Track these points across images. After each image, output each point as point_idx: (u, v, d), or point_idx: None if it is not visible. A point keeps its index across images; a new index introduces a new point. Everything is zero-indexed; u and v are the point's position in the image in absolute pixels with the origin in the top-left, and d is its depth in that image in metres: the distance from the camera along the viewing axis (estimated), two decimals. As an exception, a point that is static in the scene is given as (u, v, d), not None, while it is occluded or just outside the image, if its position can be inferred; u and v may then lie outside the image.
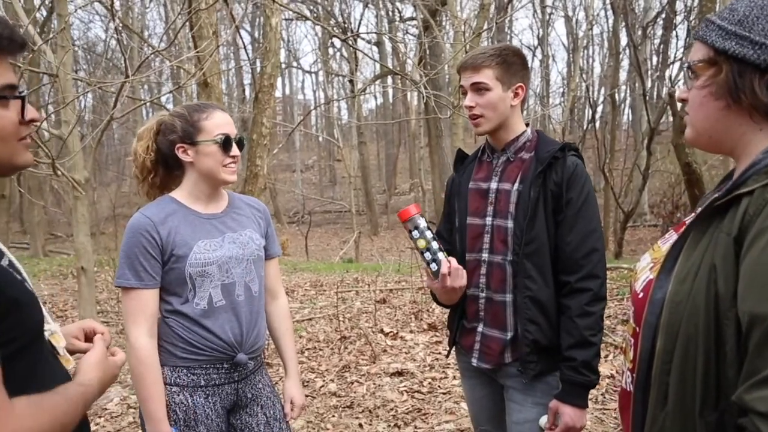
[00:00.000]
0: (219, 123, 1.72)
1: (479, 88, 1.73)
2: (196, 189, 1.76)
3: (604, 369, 3.66)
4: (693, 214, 1.16)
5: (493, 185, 1.80)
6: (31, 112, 0.94)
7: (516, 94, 1.76)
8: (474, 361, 1.84)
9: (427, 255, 1.73)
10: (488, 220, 1.79)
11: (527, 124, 1.85)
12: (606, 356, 4.29)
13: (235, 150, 1.74)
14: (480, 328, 1.83)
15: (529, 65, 1.86)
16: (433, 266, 1.73)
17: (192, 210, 1.74)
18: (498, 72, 1.72)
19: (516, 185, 1.75)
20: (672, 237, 1.14)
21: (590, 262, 1.67)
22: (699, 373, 0.83)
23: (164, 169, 1.80)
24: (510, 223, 1.73)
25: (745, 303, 0.78)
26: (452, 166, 2.00)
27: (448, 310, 2.01)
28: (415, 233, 1.72)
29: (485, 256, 1.79)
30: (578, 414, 1.66)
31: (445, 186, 2.00)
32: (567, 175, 1.69)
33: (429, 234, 1.73)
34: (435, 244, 1.73)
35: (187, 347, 1.67)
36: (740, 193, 0.85)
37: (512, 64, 1.74)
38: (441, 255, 1.74)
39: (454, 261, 1.73)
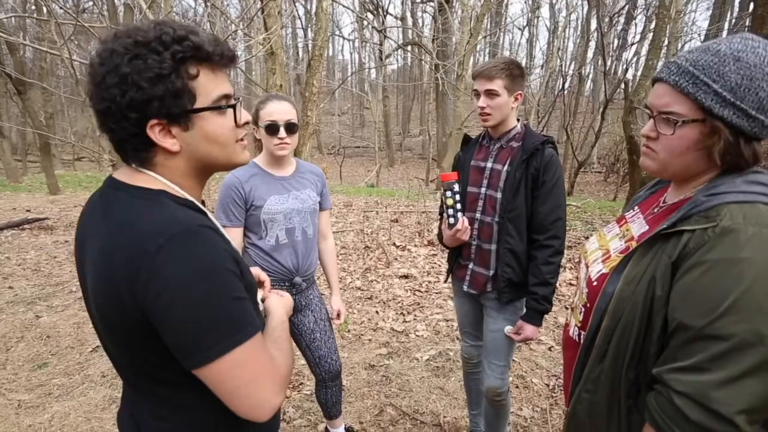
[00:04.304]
0: (270, 111, 1.64)
1: (491, 94, 1.65)
2: (266, 158, 1.74)
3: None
4: (631, 210, 1.10)
5: (489, 165, 1.76)
6: (244, 117, 0.81)
7: (516, 99, 1.68)
8: (465, 287, 1.87)
9: (450, 211, 1.73)
10: (483, 190, 1.76)
11: (518, 119, 1.78)
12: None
13: (282, 133, 1.64)
14: (471, 266, 1.84)
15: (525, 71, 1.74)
16: (452, 220, 1.73)
17: (268, 173, 1.72)
18: (506, 82, 1.63)
19: (506, 166, 1.70)
20: (614, 229, 1.10)
21: (555, 227, 1.66)
22: (630, 346, 0.84)
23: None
24: (499, 195, 1.70)
25: (676, 312, 0.77)
26: (459, 146, 1.94)
27: (437, 239, 2.01)
28: (448, 193, 1.71)
29: (478, 216, 1.77)
30: (535, 330, 1.72)
31: (453, 160, 1.95)
32: (544, 162, 1.64)
33: (457, 197, 1.72)
34: (458, 205, 1.72)
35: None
36: (683, 228, 0.79)
37: (516, 76, 1.64)
38: (460, 214, 1.73)
39: (467, 221, 1.73)
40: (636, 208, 1.09)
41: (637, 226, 1.01)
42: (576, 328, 1.03)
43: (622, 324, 0.84)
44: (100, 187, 0.83)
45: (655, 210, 1.00)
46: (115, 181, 0.79)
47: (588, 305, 0.97)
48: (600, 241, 1.10)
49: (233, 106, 0.79)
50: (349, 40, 25.42)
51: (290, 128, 1.66)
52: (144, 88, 0.70)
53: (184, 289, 0.67)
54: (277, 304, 0.92)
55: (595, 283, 0.95)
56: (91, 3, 16.58)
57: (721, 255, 0.73)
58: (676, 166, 0.87)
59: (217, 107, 0.77)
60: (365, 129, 30.34)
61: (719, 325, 0.71)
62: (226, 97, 0.78)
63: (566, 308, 3.79)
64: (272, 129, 1.64)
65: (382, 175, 17.13)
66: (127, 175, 0.79)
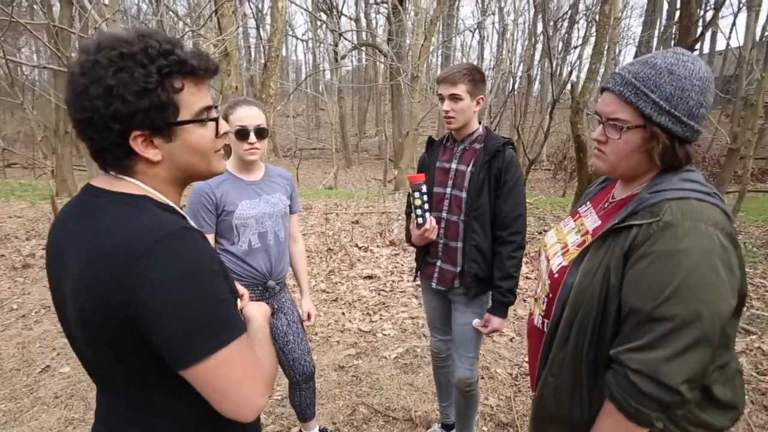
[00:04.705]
0: (239, 116, 1.63)
1: (455, 98, 1.72)
2: (235, 163, 1.73)
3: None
4: (584, 205, 1.20)
5: (453, 166, 1.82)
6: (223, 128, 0.83)
7: (477, 103, 1.76)
8: (433, 284, 1.92)
9: (419, 211, 1.78)
10: (448, 190, 1.82)
11: (480, 122, 1.87)
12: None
13: (252, 138, 1.64)
14: (438, 263, 1.90)
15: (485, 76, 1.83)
16: (420, 220, 1.78)
17: (238, 178, 1.71)
18: (469, 87, 1.71)
19: (470, 167, 1.78)
20: (569, 223, 1.19)
21: (517, 223, 1.75)
22: (589, 331, 0.93)
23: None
24: (464, 194, 1.77)
25: (628, 298, 0.86)
26: (425, 148, 2.00)
27: (405, 238, 2.07)
28: (416, 194, 1.77)
29: (445, 215, 1.83)
30: (501, 322, 1.80)
31: (418, 162, 2.01)
32: (505, 163, 1.73)
33: (425, 197, 1.77)
34: (426, 206, 1.78)
35: (234, 276, 1.71)
36: (632, 223, 0.88)
37: (478, 81, 1.72)
38: (428, 214, 1.79)
39: (434, 221, 1.80)
40: (588, 203, 1.20)
41: (591, 220, 1.11)
42: (540, 317, 1.12)
43: (582, 312, 0.93)
44: (77, 195, 0.82)
45: (605, 205, 1.10)
46: (94, 188, 0.79)
47: (551, 296, 1.05)
48: (558, 235, 1.19)
49: (215, 119, 0.81)
50: (302, 41, 25.13)
51: (260, 133, 1.66)
52: (129, 101, 0.70)
53: (172, 291, 0.68)
54: (255, 310, 0.94)
55: (556, 275, 1.04)
56: (19, -4, 15.39)
57: (664, 246, 0.83)
58: (623, 167, 0.97)
59: (200, 120, 0.78)
60: (321, 131, 30.11)
61: (664, 308, 0.81)
62: (208, 108, 0.80)
63: (524, 301, 3.98)
64: (242, 134, 1.63)
65: (340, 177, 17.08)
66: (107, 182, 0.79)
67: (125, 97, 0.70)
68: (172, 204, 0.81)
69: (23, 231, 6.35)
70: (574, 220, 1.19)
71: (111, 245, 0.70)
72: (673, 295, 0.81)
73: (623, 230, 0.90)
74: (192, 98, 0.77)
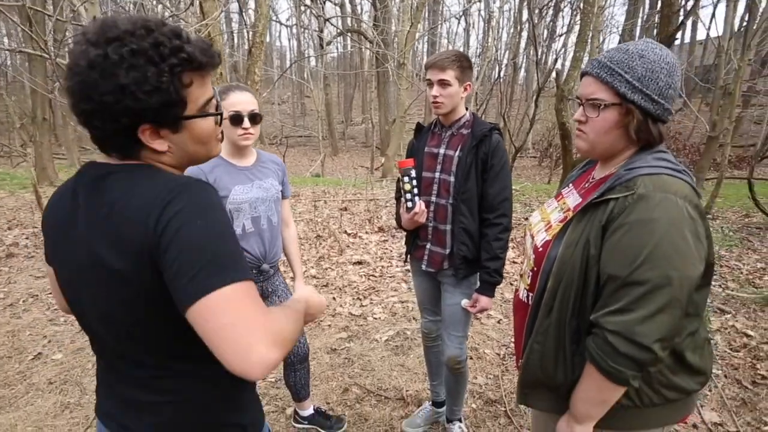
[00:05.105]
0: (233, 102, 1.64)
1: (443, 84, 1.75)
2: (230, 149, 1.75)
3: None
4: (566, 187, 1.27)
5: (442, 151, 1.87)
6: (222, 116, 0.88)
7: (465, 89, 1.80)
8: (423, 266, 1.98)
9: (408, 196, 1.83)
10: (437, 174, 1.87)
11: (467, 108, 1.91)
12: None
13: (246, 123, 1.66)
14: (428, 246, 1.95)
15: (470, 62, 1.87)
16: (410, 204, 1.83)
17: (231, 163, 1.73)
18: (457, 73, 1.74)
19: (457, 152, 1.82)
20: (552, 203, 1.26)
21: (503, 206, 1.81)
22: (571, 300, 1.00)
23: None
24: (452, 178, 1.82)
25: (606, 266, 0.94)
26: (413, 134, 2.04)
27: (395, 222, 2.11)
28: (406, 179, 1.81)
29: (434, 198, 1.88)
30: (489, 301, 1.87)
31: (407, 147, 2.05)
32: (492, 148, 1.78)
33: (414, 182, 1.82)
34: (415, 190, 1.83)
35: None
36: (609, 197, 0.96)
37: (465, 68, 1.76)
38: (417, 199, 1.84)
39: (423, 205, 1.85)
40: (570, 185, 1.27)
41: (572, 199, 1.19)
42: (525, 291, 1.19)
43: (565, 282, 1.00)
44: (76, 174, 0.84)
45: (586, 185, 1.18)
46: (100, 164, 0.81)
47: (535, 269, 1.12)
48: (542, 215, 1.27)
49: (220, 114, 0.85)
50: (287, 26, 24.70)
51: (254, 118, 1.69)
52: (141, 99, 0.72)
53: (188, 223, 0.70)
54: (309, 290, 0.98)
55: (540, 249, 1.11)
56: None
57: (638, 216, 0.90)
58: (602, 144, 1.06)
59: (206, 114, 0.81)
60: (307, 118, 29.80)
61: (637, 273, 0.89)
62: (210, 99, 0.83)
63: (511, 285, 4.09)
64: (236, 119, 1.65)
65: (327, 165, 17.01)
66: (114, 161, 0.82)
67: (137, 95, 0.71)
68: None
69: (4, 221, 6.23)
70: (557, 201, 1.26)
71: (137, 204, 0.73)
72: (646, 261, 0.88)
73: (601, 204, 0.98)
74: (198, 92, 0.79)
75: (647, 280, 0.88)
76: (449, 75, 1.74)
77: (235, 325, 0.67)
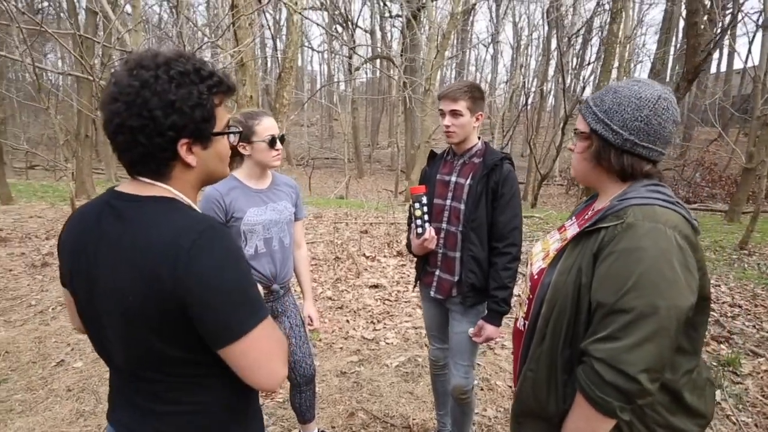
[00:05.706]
0: (267, 127, 1.75)
1: (455, 114, 1.80)
2: (251, 171, 1.82)
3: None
4: (570, 220, 1.28)
5: (453, 178, 1.90)
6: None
7: (477, 119, 1.85)
8: (432, 293, 1.99)
9: (419, 221, 1.86)
10: (448, 202, 1.90)
11: (479, 138, 1.95)
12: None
13: (278, 145, 1.79)
14: (437, 273, 1.96)
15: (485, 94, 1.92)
16: (420, 230, 1.87)
17: (247, 186, 1.80)
18: (469, 103, 1.79)
19: (468, 180, 1.85)
20: (555, 235, 1.27)
21: (512, 235, 1.82)
22: (564, 328, 1.00)
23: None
24: (462, 206, 1.85)
25: (596, 294, 0.94)
26: (426, 162, 2.08)
27: (406, 247, 2.14)
28: (417, 205, 1.86)
29: (444, 225, 1.91)
30: (495, 330, 1.86)
31: (420, 175, 2.09)
32: (503, 177, 1.80)
33: (425, 208, 1.86)
34: (426, 216, 1.86)
35: None
36: (601, 226, 0.98)
37: (477, 98, 1.81)
38: (427, 225, 1.87)
39: (434, 231, 1.88)
40: (573, 218, 1.29)
41: (572, 231, 1.20)
42: (522, 319, 1.20)
43: (558, 309, 1.01)
44: (99, 198, 0.91)
45: (586, 216, 1.19)
46: (122, 194, 0.88)
47: (530, 297, 1.13)
48: (543, 245, 1.28)
49: (240, 132, 0.98)
50: (318, 52, 25.57)
51: (282, 140, 1.82)
52: (186, 113, 0.83)
53: (219, 274, 0.79)
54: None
55: (536, 277, 1.13)
56: (46, 3, 15.97)
57: (626, 245, 0.91)
58: (581, 171, 1.12)
59: (230, 132, 0.94)
60: (334, 140, 30.44)
61: (624, 301, 0.89)
62: (229, 120, 0.95)
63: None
64: (273, 142, 1.77)
65: (352, 187, 17.24)
66: (136, 188, 0.88)
67: (183, 109, 0.83)
68: (193, 205, 0.92)
69: (43, 231, 6.57)
70: (560, 233, 1.27)
71: (158, 241, 0.80)
72: (633, 289, 0.88)
73: (593, 233, 1.00)
74: (222, 112, 0.91)
75: (633, 308, 0.88)
76: (461, 105, 1.79)
77: (267, 357, 0.83)
